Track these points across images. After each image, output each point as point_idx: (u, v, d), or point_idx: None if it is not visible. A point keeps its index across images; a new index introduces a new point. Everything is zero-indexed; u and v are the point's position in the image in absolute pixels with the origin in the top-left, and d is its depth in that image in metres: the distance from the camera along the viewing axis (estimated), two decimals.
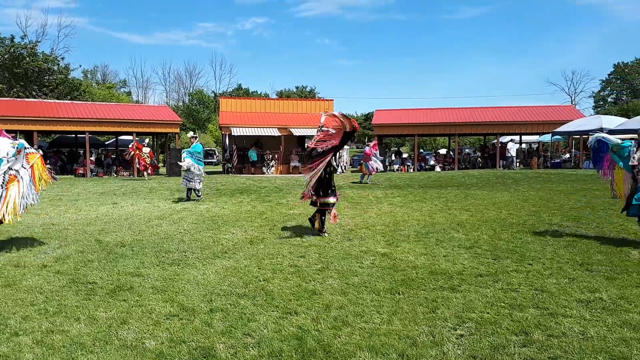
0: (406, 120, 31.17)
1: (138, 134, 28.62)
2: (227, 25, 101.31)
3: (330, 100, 32.87)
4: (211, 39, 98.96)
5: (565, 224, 8.82)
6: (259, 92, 66.52)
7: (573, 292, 4.86)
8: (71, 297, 4.93)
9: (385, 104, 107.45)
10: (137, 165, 23.43)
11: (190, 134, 14.39)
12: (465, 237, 7.79)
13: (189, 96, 66.74)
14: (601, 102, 67.76)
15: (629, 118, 28.01)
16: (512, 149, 27.72)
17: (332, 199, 8.09)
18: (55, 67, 39.97)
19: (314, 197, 8.11)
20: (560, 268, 5.78)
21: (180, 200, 13.40)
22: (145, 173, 22.83)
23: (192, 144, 13.73)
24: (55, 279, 5.54)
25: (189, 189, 13.35)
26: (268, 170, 27.83)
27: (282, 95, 63.95)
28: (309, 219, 8.50)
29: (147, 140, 25.65)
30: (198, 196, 13.30)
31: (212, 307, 4.57)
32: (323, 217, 8.09)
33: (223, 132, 29.42)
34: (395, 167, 30.96)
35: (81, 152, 30.43)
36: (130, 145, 23.20)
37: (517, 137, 30.51)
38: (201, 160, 13.37)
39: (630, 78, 65.58)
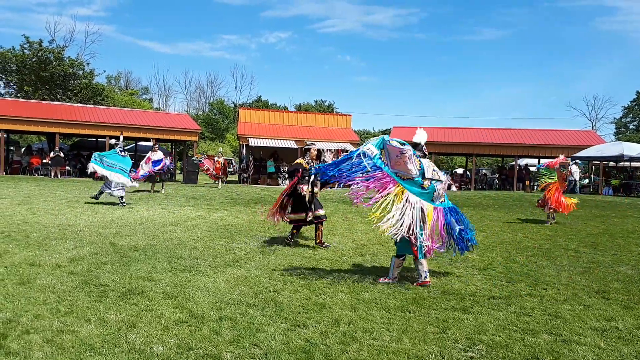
0: None
1: (157, 140, 29.01)
2: (251, 38, 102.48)
3: (349, 115, 32.98)
4: (234, 50, 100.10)
5: (582, 249, 8.66)
6: (278, 105, 66.98)
7: (588, 320, 4.76)
8: (83, 298, 4.97)
9: (403, 121, 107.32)
10: (211, 175, 23.87)
11: (113, 141, 13.96)
12: (480, 258, 7.69)
13: (209, 105, 67.47)
14: (622, 129, 66.74)
15: None
16: (576, 172, 27.22)
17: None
18: (80, 72, 40.82)
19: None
20: (575, 294, 5.67)
21: (120, 204, 12.97)
22: (220, 181, 23.65)
23: (113, 148, 13.46)
24: (68, 280, 5.60)
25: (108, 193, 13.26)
26: (283, 182, 27.91)
27: (300, 108, 64.27)
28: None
29: (220, 150, 27.96)
30: (122, 203, 13.11)
31: (221, 316, 4.57)
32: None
33: (241, 142, 29.69)
34: None
35: None
36: (200, 162, 23.99)
37: (580, 161, 30.06)
38: (121, 169, 13.33)
39: None
